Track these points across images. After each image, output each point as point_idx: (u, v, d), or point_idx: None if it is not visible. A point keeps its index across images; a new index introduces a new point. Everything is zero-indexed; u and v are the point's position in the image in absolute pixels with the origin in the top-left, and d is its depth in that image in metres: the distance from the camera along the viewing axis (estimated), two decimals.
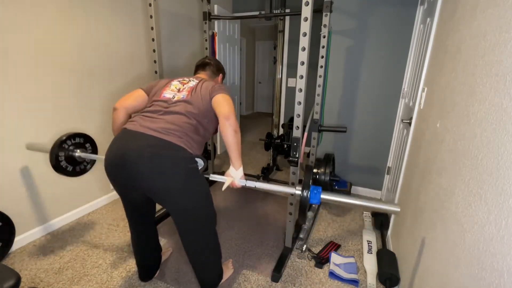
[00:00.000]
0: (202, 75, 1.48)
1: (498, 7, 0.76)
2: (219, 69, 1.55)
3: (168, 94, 1.25)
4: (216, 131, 1.37)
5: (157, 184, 1.07)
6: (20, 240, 1.72)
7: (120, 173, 1.11)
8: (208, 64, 1.50)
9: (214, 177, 1.30)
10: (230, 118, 1.15)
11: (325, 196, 1.10)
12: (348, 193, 2.45)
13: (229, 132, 1.15)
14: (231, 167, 1.25)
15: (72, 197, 2.02)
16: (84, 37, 1.88)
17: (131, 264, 1.60)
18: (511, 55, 0.65)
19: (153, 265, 1.49)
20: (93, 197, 2.18)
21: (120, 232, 1.91)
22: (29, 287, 1.43)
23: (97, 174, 2.16)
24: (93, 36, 1.94)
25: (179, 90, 1.26)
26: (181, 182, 1.09)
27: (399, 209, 1.00)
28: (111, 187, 2.31)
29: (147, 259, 1.46)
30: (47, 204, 1.85)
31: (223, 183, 1.26)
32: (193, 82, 1.30)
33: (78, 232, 1.90)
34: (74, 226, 1.95)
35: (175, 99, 1.22)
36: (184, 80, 1.32)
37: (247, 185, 1.24)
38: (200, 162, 1.16)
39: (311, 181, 1.27)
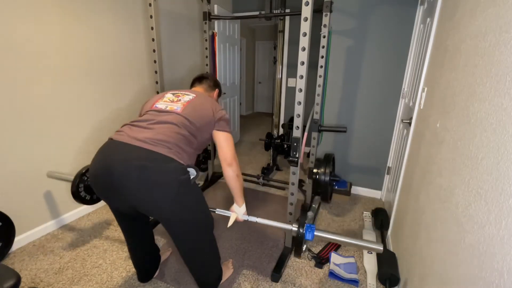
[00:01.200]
0: (198, 88, 1.48)
1: (498, 7, 0.76)
2: (215, 84, 1.55)
3: (160, 105, 1.22)
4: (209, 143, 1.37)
5: (145, 198, 1.02)
6: (20, 240, 1.72)
7: (105, 186, 1.05)
8: (205, 78, 1.51)
9: (220, 211, 1.42)
10: (232, 165, 1.23)
11: (318, 233, 1.26)
12: (348, 193, 2.45)
13: (232, 178, 1.25)
14: (235, 204, 1.38)
15: (71, 198, 2.01)
16: (82, 38, 1.88)
17: (131, 264, 1.60)
18: (511, 55, 0.65)
19: (151, 267, 1.48)
20: None
21: (120, 232, 1.91)
22: (29, 287, 1.43)
23: None
24: (91, 37, 1.94)
25: (172, 101, 1.23)
26: (171, 195, 1.03)
27: (381, 248, 1.13)
28: None
29: (144, 262, 1.45)
30: (47, 204, 1.85)
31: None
32: (188, 97, 1.26)
33: (78, 232, 1.90)
34: (74, 226, 1.95)
35: (168, 108, 1.18)
36: (179, 93, 1.29)
37: (249, 219, 1.38)
38: (192, 172, 1.11)
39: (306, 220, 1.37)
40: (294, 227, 1.30)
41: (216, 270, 1.37)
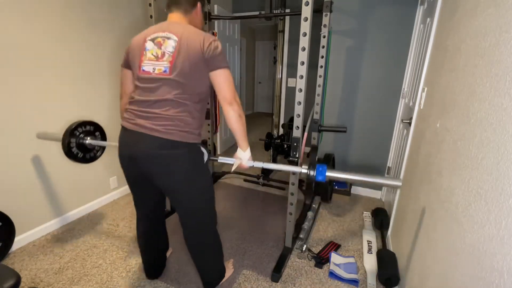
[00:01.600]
0: (175, 14, 1.18)
1: (498, 7, 0.76)
2: None
3: (146, 66, 1.09)
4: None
5: (169, 181, 1.12)
6: (20, 240, 1.72)
7: (133, 171, 1.19)
8: None
9: (222, 159, 1.33)
10: (233, 104, 1.11)
11: (330, 173, 1.17)
12: (348, 193, 2.45)
13: (234, 119, 1.13)
14: (238, 149, 1.26)
15: (71, 198, 2.02)
16: (82, 36, 1.88)
17: (131, 264, 1.60)
18: (511, 55, 0.65)
19: (161, 260, 1.50)
20: (92, 198, 2.18)
21: (120, 232, 1.91)
22: (29, 287, 1.43)
23: (94, 176, 2.16)
24: (92, 36, 1.94)
25: (157, 57, 1.08)
26: (188, 173, 1.12)
27: (400, 183, 1.07)
28: (112, 186, 2.31)
29: (155, 256, 1.46)
30: (47, 204, 1.85)
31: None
32: (170, 43, 1.07)
33: (78, 232, 1.89)
34: (73, 227, 1.95)
35: (156, 72, 1.07)
36: (159, 38, 1.09)
37: (254, 165, 1.28)
38: (205, 151, 1.20)
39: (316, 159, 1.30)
40: (303, 169, 1.23)
41: (220, 266, 1.39)
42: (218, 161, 1.36)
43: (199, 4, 1.24)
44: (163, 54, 1.07)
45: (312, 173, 1.20)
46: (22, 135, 1.65)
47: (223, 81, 1.10)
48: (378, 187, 2.53)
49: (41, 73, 1.68)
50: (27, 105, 1.65)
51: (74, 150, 1.51)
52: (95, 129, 1.62)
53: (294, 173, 1.54)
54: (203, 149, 1.18)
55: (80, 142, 1.53)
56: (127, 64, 1.20)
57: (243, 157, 1.26)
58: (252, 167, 1.31)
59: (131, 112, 1.13)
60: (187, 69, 1.06)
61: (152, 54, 1.09)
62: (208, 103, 1.31)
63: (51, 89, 1.75)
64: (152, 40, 1.11)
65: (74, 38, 1.83)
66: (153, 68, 1.08)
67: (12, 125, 1.59)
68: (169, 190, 1.17)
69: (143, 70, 1.10)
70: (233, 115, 1.12)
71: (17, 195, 1.68)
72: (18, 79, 1.58)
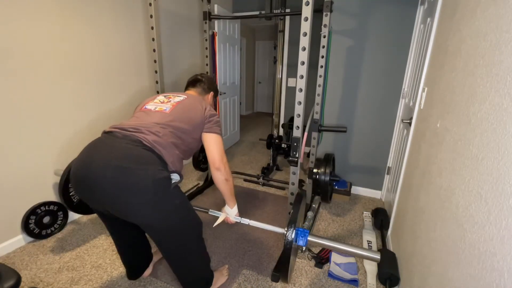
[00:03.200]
0: (191, 92, 1.46)
1: (498, 7, 0.76)
2: (210, 86, 1.52)
3: (150, 106, 1.24)
4: (198, 148, 1.33)
5: (121, 201, 0.98)
6: (20, 240, 1.72)
7: (82, 186, 1.02)
8: (199, 81, 1.49)
9: (213, 212, 1.41)
10: (221, 168, 1.22)
11: (312, 239, 1.21)
12: (348, 193, 2.45)
13: (221, 182, 1.25)
14: (226, 206, 1.37)
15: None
16: (82, 37, 1.88)
17: None
18: None
19: (139, 265, 1.47)
20: None
21: None
22: (29, 287, 1.43)
23: None
24: (91, 37, 1.94)
25: (162, 102, 1.25)
26: (148, 200, 0.99)
27: (379, 257, 1.11)
28: None
29: (132, 261, 1.44)
30: None
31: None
32: (179, 98, 1.28)
33: (78, 232, 1.89)
34: (73, 226, 1.95)
35: (157, 109, 1.20)
36: (170, 95, 1.31)
37: (241, 221, 1.36)
38: (175, 177, 1.09)
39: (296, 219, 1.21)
40: (285, 231, 1.19)
41: (202, 275, 1.33)
42: (209, 213, 1.41)
43: (212, 93, 1.53)
44: (168, 102, 1.25)
45: (291, 237, 1.13)
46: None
47: (213, 144, 1.23)
48: (378, 187, 2.53)
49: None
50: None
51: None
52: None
53: (293, 183, 1.56)
54: (172, 175, 1.09)
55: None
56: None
57: (230, 213, 1.37)
58: (239, 222, 1.37)
59: (114, 126, 1.14)
60: (183, 117, 1.18)
61: (159, 101, 1.27)
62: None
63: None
64: (165, 95, 1.31)
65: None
66: (155, 107, 1.22)
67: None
68: (126, 211, 1.05)
69: (145, 108, 1.24)
70: (220, 179, 1.24)
71: (18, 195, 1.68)
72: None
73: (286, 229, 1.19)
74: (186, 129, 1.17)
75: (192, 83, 1.50)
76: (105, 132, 1.12)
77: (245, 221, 1.36)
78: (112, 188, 0.96)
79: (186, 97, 1.29)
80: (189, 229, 1.20)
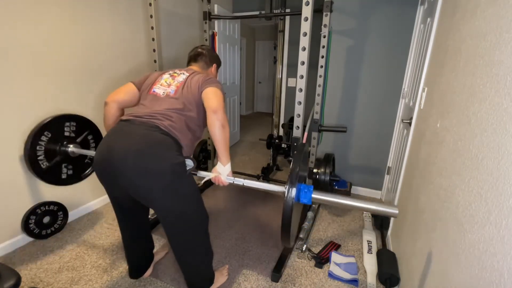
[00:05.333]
0: (194, 67, 1.42)
1: (498, 7, 0.76)
2: (212, 59, 1.48)
3: (158, 89, 1.24)
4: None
5: (140, 185, 1.04)
6: (20, 240, 1.72)
7: (105, 171, 1.09)
8: (200, 55, 1.44)
9: (201, 173, 1.23)
10: (217, 112, 1.11)
11: (316, 196, 1.04)
12: (348, 193, 2.45)
13: (216, 126, 1.10)
14: (218, 163, 1.20)
15: (71, 198, 2.01)
16: (82, 35, 1.88)
17: None
18: None
19: (142, 265, 1.48)
20: (92, 198, 2.18)
21: (119, 232, 1.90)
22: (29, 287, 1.43)
23: (93, 177, 2.15)
24: (92, 36, 1.94)
25: (169, 85, 1.24)
26: (165, 183, 1.05)
27: (397, 211, 0.94)
28: None
29: (136, 258, 1.46)
30: None
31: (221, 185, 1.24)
32: (183, 76, 1.27)
33: (78, 232, 1.89)
34: (74, 226, 1.95)
35: (165, 94, 1.21)
36: (175, 73, 1.30)
37: (234, 182, 1.18)
38: (189, 163, 1.13)
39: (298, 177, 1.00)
40: (285, 188, 1.02)
41: (207, 271, 1.35)
42: (198, 175, 1.24)
43: (214, 65, 1.49)
44: (173, 83, 1.24)
45: (292, 194, 0.96)
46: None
47: (211, 93, 1.17)
48: (378, 187, 2.53)
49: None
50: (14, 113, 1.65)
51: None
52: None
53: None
54: (186, 160, 1.13)
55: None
56: (139, 84, 1.31)
57: (223, 172, 1.19)
58: (232, 183, 1.20)
59: (129, 114, 1.18)
60: (188, 96, 1.19)
61: (165, 82, 1.26)
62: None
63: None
64: (170, 74, 1.30)
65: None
66: (163, 92, 1.23)
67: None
68: (145, 194, 1.11)
69: (154, 91, 1.24)
70: (216, 124, 1.10)
71: (19, 195, 1.68)
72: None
73: (286, 185, 1.02)
74: (193, 107, 1.19)
75: (194, 57, 1.44)
76: (122, 120, 1.16)
77: (239, 181, 1.18)
78: (133, 172, 1.02)
79: (188, 74, 1.27)
80: (199, 220, 1.24)
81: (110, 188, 1.18)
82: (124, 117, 1.18)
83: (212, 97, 1.16)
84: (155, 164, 1.03)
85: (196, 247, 1.26)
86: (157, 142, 1.05)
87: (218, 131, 1.11)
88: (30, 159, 1.54)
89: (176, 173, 1.06)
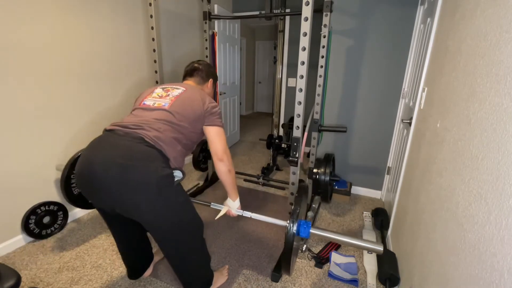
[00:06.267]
0: (190, 81, 1.42)
1: (498, 7, 0.76)
2: (208, 74, 1.47)
3: (148, 101, 1.21)
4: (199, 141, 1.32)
5: (125, 199, 0.99)
6: (20, 240, 1.72)
7: (88, 184, 1.03)
8: (197, 70, 1.43)
9: (214, 205, 1.40)
10: (224, 159, 1.21)
11: (314, 231, 1.19)
12: (348, 193, 2.45)
13: (223, 173, 1.23)
14: (228, 198, 1.35)
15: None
16: (82, 37, 1.88)
17: None
18: None
19: (140, 266, 1.47)
20: None
21: None
22: (29, 287, 1.43)
23: None
24: (92, 37, 1.94)
25: (161, 97, 1.21)
26: (152, 197, 1.00)
27: (381, 249, 1.07)
28: None
29: (133, 261, 1.45)
30: None
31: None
32: (177, 91, 1.24)
33: (78, 232, 1.89)
34: (74, 226, 1.95)
35: (155, 105, 1.17)
36: (168, 87, 1.27)
37: (243, 215, 1.34)
38: (178, 174, 1.10)
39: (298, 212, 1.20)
40: (287, 223, 1.19)
41: (202, 274, 1.33)
42: (211, 206, 1.40)
43: (211, 80, 1.49)
44: (167, 96, 1.22)
45: (293, 229, 1.15)
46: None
47: (216, 136, 1.22)
48: (378, 187, 2.53)
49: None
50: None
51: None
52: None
53: (293, 183, 1.54)
54: (175, 172, 1.11)
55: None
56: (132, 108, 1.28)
57: (232, 206, 1.35)
58: (241, 215, 1.35)
59: (115, 124, 1.13)
60: (183, 112, 1.16)
61: (157, 95, 1.24)
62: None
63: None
64: (163, 88, 1.28)
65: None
66: (154, 103, 1.20)
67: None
68: (131, 210, 1.08)
69: (144, 103, 1.22)
70: (223, 170, 1.23)
71: (18, 195, 1.68)
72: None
73: (288, 221, 1.18)
74: (187, 124, 1.16)
75: (190, 72, 1.44)
76: (106, 130, 1.12)
77: (247, 214, 1.34)
78: (116, 186, 0.97)
79: (184, 89, 1.25)
80: (191, 228, 1.20)
81: (94, 201, 1.12)
82: (108, 127, 1.12)
83: (216, 141, 1.22)
84: (139, 177, 0.97)
85: (189, 254, 1.23)
86: (141, 154, 1.00)
87: (226, 176, 1.24)
88: (66, 186, 1.64)
89: (162, 185, 1.01)
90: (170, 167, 1.07)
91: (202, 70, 1.44)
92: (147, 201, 1.01)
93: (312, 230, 1.18)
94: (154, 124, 1.09)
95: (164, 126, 1.10)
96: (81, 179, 1.04)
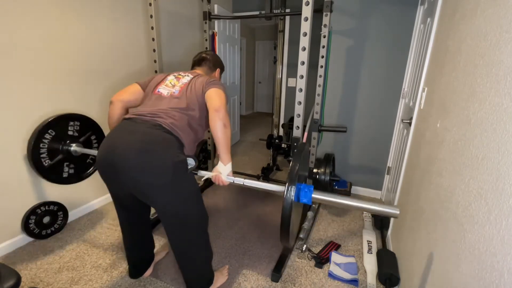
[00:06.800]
0: (198, 71, 1.45)
1: (498, 7, 0.76)
2: (216, 64, 1.51)
3: (162, 89, 1.26)
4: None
5: (141, 181, 1.05)
6: (20, 240, 1.72)
7: (108, 168, 1.10)
8: (204, 60, 1.47)
9: (201, 173, 1.25)
10: (220, 111, 1.13)
11: (317, 196, 1.03)
12: (348, 193, 2.45)
13: (218, 125, 1.12)
14: (219, 162, 1.22)
15: (71, 198, 2.01)
16: (83, 36, 1.88)
17: None
18: None
19: (142, 264, 1.48)
20: (92, 197, 2.18)
21: (120, 232, 1.90)
22: (29, 287, 1.43)
23: (94, 176, 2.16)
24: (93, 36, 1.94)
25: (173, 86, 1.26)
26: (167, 180, 1.06)
27: (398, 211, 0.94)
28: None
29: (136, 258, 1.46)
30: None
31: (221, 186, 1.26)
32: (187, 78, 1.29)
33: (78, 232, 1.89)
34: (74, 226, 1.95)
35: (169, 94, 1.23)
36: (180, 75, 1.32)
37: (235, 182, 1.19)
38: (191, 162, 1.15)
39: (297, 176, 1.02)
40: (286, 187, 1.08)
41: (206, 271, 1.35)
42: (198, 174, 1.26)
43: (218, 70, 1.52)
44: (178, 84, 1.27)
45: (291, 193, 0.98)
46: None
47: (214, 94, 1.19)
48: (378, 187, 2.53)
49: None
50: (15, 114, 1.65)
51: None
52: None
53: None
54: (188, 159, 1.16)
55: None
56: (144, 85, 1.33)
57: (223, 171, 1.21)
58: (232, 183, 1.22)
59: (133, 113, 1.19)
60: (194, 98, 1.20)
61: (170, 83, 1.28)
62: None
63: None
64: (175, 75, 1.32)
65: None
66: (167, 92, 1.24)
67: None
68: (146, 191, 1.12)
69: (158, 91, 1.25)
70: (217, 122, 1.11)
71: (19, 196, 1.68)
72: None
73: (286, 185, 1.03)
74: (197, 109, 1.21)
75: (198, 62, 1.48)
76: (125, 119, 1.17)
77: (239, 180, 1.19)
78: (136, 170, 1.03)
79: (193, 76, 1.30)
80: (199, 219, 1.24)
81: (112, 185, 1.20)
82: (127, 116, 1.18)
83: (215, 97, 1.18)
84: (157, 161, 1.04)
85: (196, 246, 1.26)
86: (159, 140, 1.07)
87: (220, 130, 1.12)
88: (34, 156, 1.55)
89: (177, 170, 1.08)
90: (185, 154, 1.13)
91: (209, 60, 1.48)
92: (161, 184, 1.06)
93: (314, 195, 1.03)
94: (170, 112, 1.15)
95: (178, 114, 1.16)
96: (102, 165, 1.10)
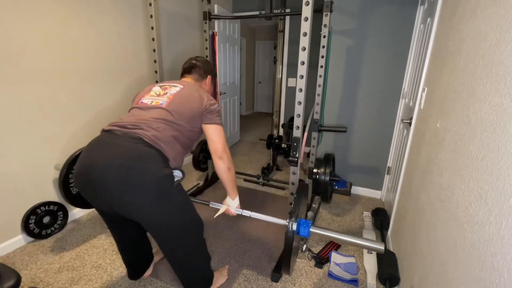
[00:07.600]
0: (187, 79, 1.42)
1: (498, 7, 0.76)
2: (206, 70, 1.46)
3: (146, 100, 1.20)
4: (199, 139, 1.32)
5: (125, 199, 0.98)
6: (20, 240, 1.72)
7: (87, 185, 1.02)
8: (195, 67, 1.42)
9: (214, 204, 1.38)
10: (223, 157, 1.21)
11: (314, 230, 1.18)
12: (348, 193, 2.45)
13: (223, 171, 1.23)
14: (228, 197, 1.34)
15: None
16: (83, 37, 1.88)
17: None
18: None
19: (140, 266, 1.47)
20: None
21: None
22: (29, 287, 1.43)
23: None
24: (92, 37, 1.94)
25: (158, 95, 1.20)
26: (152, 197, 1.00)
27: (383, 248, 1.07)
28: None
29: (133, 261, 1.44)
30: None
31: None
32: (175, 88, 1.23)
33: (77, 232, 1.89)
34: (74, 226, 1.95)
35: (153, 104, 1.16)
36: (167, 85, 1.26)
37: (242, 213, 1.33)
38: (178, 174, 1.09)
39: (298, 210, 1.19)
40: (287, 222, 1.19)
41: (203, 274, 1.33)
42: (210, 205, 1.39)
43: (209, 77, 1.48)
44: (164, 94, 1.21)
45: (293, 228, 1.15)
46: None
47: (215, 135, 1.22)
48: (378, 187, 2.53)
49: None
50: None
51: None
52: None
53: (293, 183, 1.54)
54: (175, 172, 1.10)
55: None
56: (133, 103, 1.27)
57: (232, 205, 1.34)
58: (240, 214, 1.35)
59: (112, 125, 1.11)
60: (181, 110, 1.15)
61: (155, 93, 1.23)
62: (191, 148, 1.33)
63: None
64: (160, 86, 1.27)
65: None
66: (151, 101, 1.19)
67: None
68: (131, 210, 1.07)
69: (142, 102, 1.20)
70: (222, 168, 1.22)
71: (18, 196, 1.68)
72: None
73: (288, 220, 1.18)
74: (185, 122, 1.14)
75: (188, 69, 1.43)
76: (104, 131, 1.10)
77: (247, 213, 1.33)
78: (116, 187, 0.96)
79: (182, 86, 1.24)
80: (191, 228, 1.20)
81: (94, 202, 1.11)
82: (106, 127, 1.11)
83: (216, 140, 1.21)
84: (140, 177, 0.97)
85: (190, 255, 1.24)
86: (141, 155, 1.00)
87: (225, 174, 1.24)
88: (64, 185, 1.65)
89: (162, 185, 1.01)
90: (170, 167, 1.07)
91: (200, 67, 1.43)
92: (147, 202, 1.00)
93: (312, 229, 1.17)
94: (153, 123, 1.08)
95: (163, 125, 1.09)
96: (80, 180, 1.03)
